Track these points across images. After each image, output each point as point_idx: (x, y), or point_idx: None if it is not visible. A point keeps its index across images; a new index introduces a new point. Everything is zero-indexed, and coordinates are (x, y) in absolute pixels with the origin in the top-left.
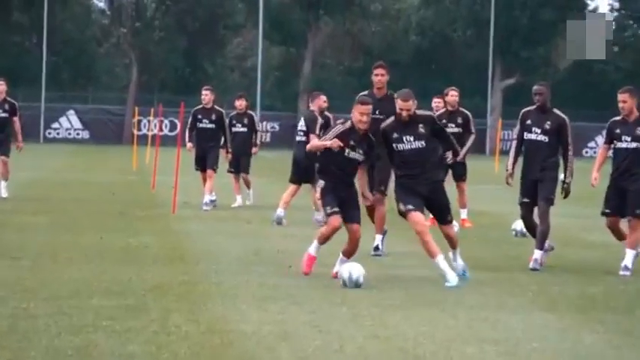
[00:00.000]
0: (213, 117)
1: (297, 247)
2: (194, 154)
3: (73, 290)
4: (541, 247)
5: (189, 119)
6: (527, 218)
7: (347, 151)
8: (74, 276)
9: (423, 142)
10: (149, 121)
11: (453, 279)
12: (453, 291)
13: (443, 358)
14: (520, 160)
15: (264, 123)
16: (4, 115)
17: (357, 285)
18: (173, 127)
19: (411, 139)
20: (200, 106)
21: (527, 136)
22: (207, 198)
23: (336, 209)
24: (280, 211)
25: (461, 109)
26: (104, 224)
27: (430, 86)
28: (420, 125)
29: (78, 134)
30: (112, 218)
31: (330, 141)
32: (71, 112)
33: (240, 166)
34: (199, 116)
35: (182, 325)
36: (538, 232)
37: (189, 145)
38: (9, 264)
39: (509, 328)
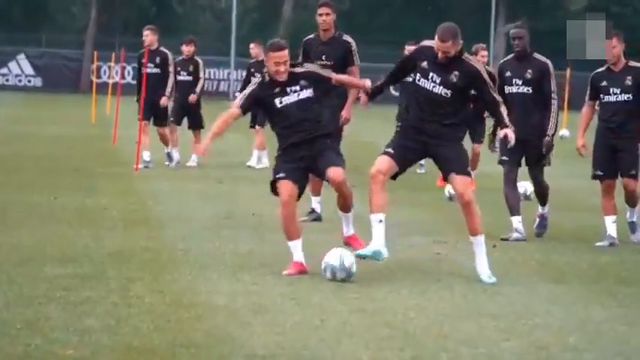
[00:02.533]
0: (158, 60)
1: (274, 210)
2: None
3: (22, 257)
4: (544, 203)
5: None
6: (509, 178)
7: (279, 100)
8: (24, 241)
9: (447, 91)
10: (110, 68)
11: (373, 247)
12: (447, 260)
13: (435, 335)
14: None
15: (239, 71)
16: None
17: (349, 275)
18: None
19: (438, 80)
20: (143, 50)
21: (508, 89)
22: (176, 156)
23: (282, 174)
24: None
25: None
26: (58, 183)
27: (425, 30)
28: (455, 72)
29: (29, 81)
30: (67, 176)
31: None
32: (22, 56)
33: (184, 118)
34: (143, 60)
35: (145, 297)
36: (538, 195)
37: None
38: None
39: (510, 302)
